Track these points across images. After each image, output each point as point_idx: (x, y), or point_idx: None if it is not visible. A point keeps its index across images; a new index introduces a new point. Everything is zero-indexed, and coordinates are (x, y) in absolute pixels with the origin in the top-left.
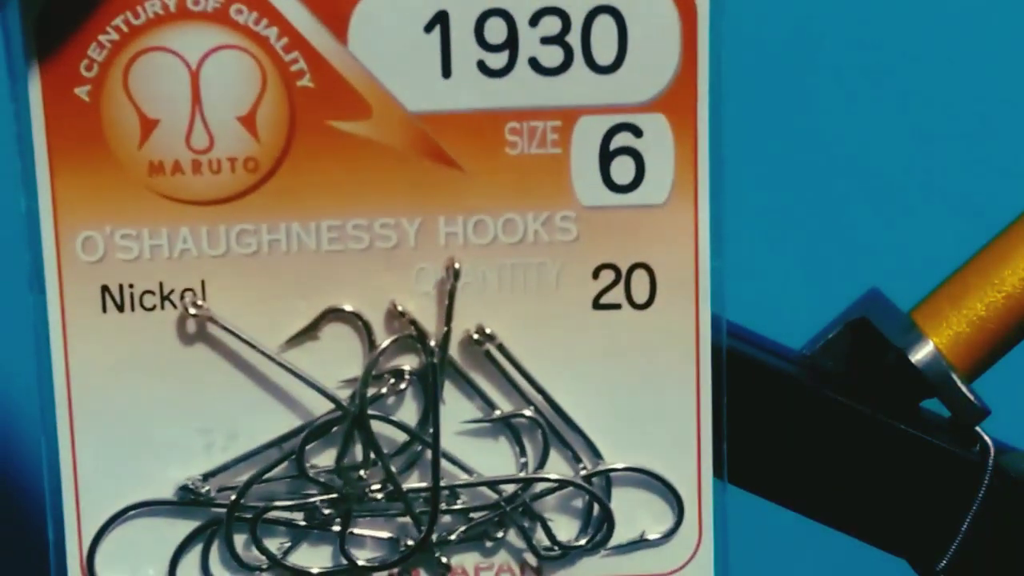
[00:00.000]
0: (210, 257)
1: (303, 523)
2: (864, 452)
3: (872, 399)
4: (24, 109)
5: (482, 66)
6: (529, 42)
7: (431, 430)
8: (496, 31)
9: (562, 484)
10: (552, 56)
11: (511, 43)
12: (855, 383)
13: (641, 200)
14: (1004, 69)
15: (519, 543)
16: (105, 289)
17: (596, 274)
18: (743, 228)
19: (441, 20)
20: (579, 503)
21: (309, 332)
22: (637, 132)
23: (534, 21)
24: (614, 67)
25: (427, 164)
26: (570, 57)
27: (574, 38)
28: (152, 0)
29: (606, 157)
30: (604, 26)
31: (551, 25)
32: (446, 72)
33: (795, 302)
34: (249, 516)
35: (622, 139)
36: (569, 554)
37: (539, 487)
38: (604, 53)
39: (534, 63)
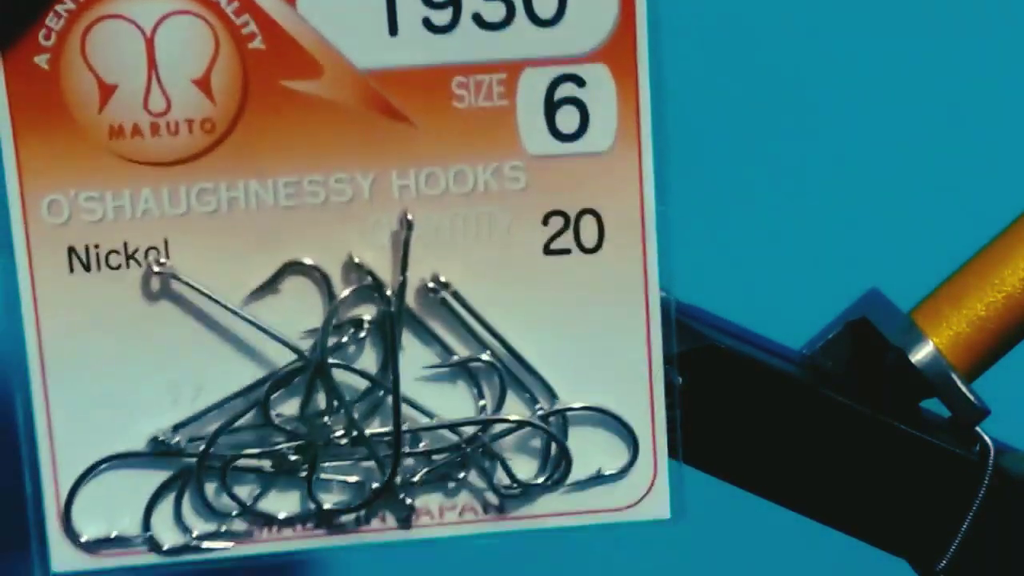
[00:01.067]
0: (172, 216)
1: (271, 470)
2: (864, 452)
3: (872, 399)
4: None
5: (427, 23)
6: None
7: (391, 377)
8: None
9: (520, 424)
10: (495, 11)
11: (455, 0)
12: (855, 383)
13: (586, 148)
14: (1004, 69)
15: (480, 483)
16: (71, 250)
17: (546, 221)
18: (743, 228)
19: None
20: (537, 443)
21: (270, 286)
22: (580, 82)
23: None
24: (555, 20)
25: (378, 120)
26: (512, 12)
27: None
28: None
29: (551, 107)
30: None
31: None
32: (393, 30)
33: (795, 302)
34: (218, 465)
35: (566, 90)
36: (529, 492)
37: (498, 428)
38: (545, 7)
39: (477, 19)
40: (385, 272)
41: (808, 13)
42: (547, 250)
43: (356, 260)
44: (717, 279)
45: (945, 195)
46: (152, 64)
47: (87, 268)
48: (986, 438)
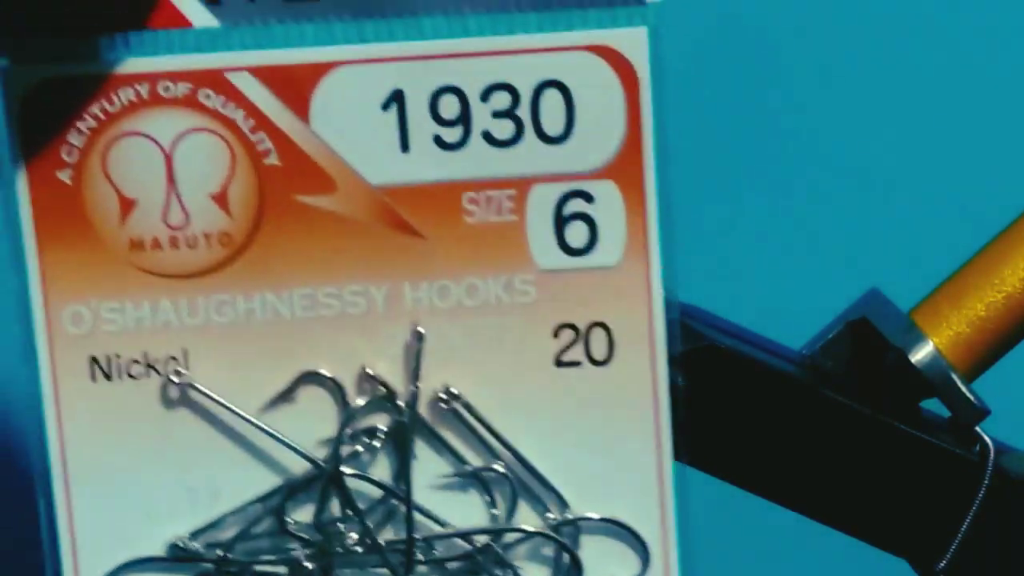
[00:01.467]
0: (190, 327)
1: None
2: (864, 452)
3: (872, 399)
4: (11, 194)
5: (438, 140)
6: (481, 116)
7: (405, 485)
8: (449, 107)
9: (532, 534)
10: (504, 129)
11: (464, 118)
12: (855, 383)
13: (596, 262)
14: (1004, 69)
15: None
16: (93, 360)
17: (556, 333)
18: (743, 228)
19: (397, 98)
20: (549, 552)
21: (286, 395)
22: (588, 198)
23: (485, 97)
24: (563, 137)
25: (391, 233)
26: (521, 129)
27: (524, 112)
28: (125, 88)
29: (560, 222)
30: (552, 99)
31: (501, 100)
32: (404, 147)
33: (795, 302)
34: (236, 571)
35: (575, 205)
36: None
37: (510, 537)
38: (553, 125)
39: (487, 136)
40: (399, 382)
41: (808, 14)
42: (558, 362)
43: (370, 371)
44: (717, 279)
45: (945, 195)
46: (171, 179)
47: (108, 377)
48: (986, 438)
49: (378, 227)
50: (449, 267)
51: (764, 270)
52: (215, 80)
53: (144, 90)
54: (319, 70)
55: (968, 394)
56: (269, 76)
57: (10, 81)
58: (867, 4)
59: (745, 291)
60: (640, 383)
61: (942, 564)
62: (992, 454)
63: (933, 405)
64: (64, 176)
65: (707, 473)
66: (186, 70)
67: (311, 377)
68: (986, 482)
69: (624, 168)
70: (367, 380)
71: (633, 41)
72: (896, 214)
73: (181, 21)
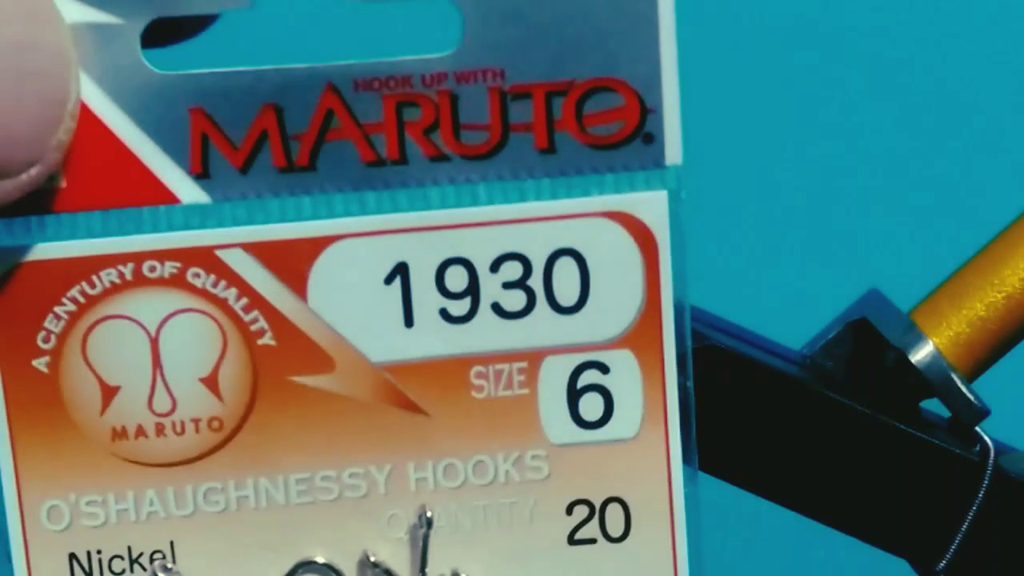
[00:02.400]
0: (178, 518)
1: None
2: (864, 452)
3: (872, 399)
4: None
5: (444, 314)
6: (491, 288)
7: None
8: (457, 279)
9: None
10: (515, 300)
11: (472, 290)
12: (855, 383)
13: (611, 435)
14: (1004, 69)
15: None
16: (73, 557)
17: (570, 510)
18: (743, 228)
19: (401, 271)
20: None
21: None
22: (604, 369)
23: (495, 267)
24: (577, 307)
25: (393, 412)
26: (533, 300)
27: (536, 282)
28: (108, 270)
29: (574, 395)
30: (566, 268)
31: (512, 270)
32: (408, 322)
33: (795, 302)
34: None
35: (589, 376)
36: None
37: None
38: (567, 294)
39: (497, 308)
40: (403, 568)
41: (808, 15)
42: (572, 540)
43: (372, 558)
44: (718, 279)
45: (945, 195)
46: (157, 364)
47: (88, 575)
48: (986, 438)
49: (379, 406)
50: (455, 445)
51: (764, 270)
52: (205, 258)
53: (128, 271)
54: (318, 244)
55: (968, 394)
56: (264, 252)
57: None
58: (867, 4)
59: (745, 291)
60: (659, 560)
61: (942, 564)
62: (992, 454)
63: (933, 405)
64: (40, 364)
65: (707, 473)
66: (174, 248)
67: (309, 567)
68: (986, 482)
69: (642, 336)
70: (370, 568)
71: (652, 205)
72: (896, 214)
73: (168, 197)
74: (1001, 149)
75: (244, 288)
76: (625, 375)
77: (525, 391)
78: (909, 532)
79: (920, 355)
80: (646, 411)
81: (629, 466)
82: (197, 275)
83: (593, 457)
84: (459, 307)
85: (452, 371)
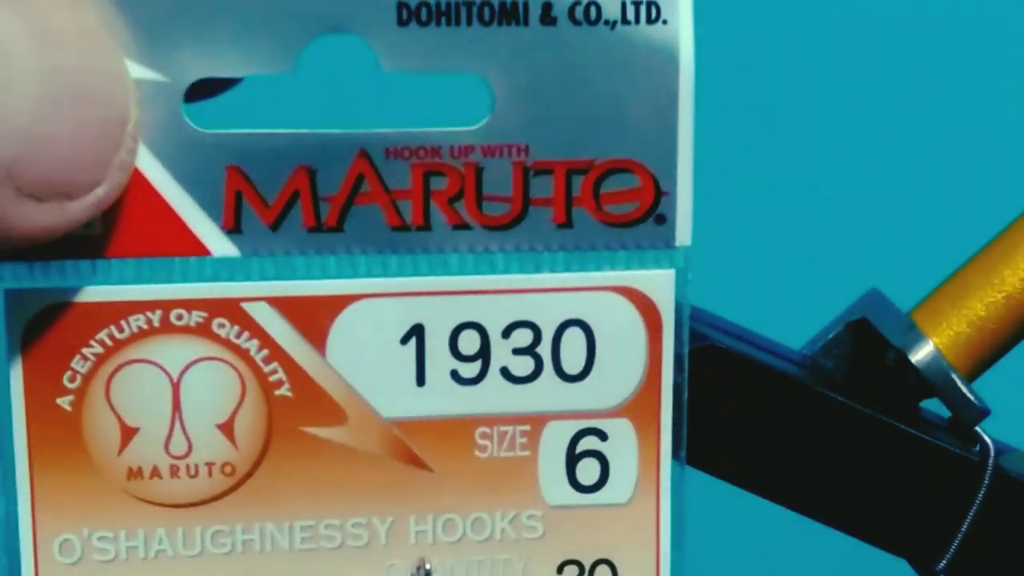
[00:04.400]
0: (185, 557)
1: None
2: (864, 452)
3: (872, 399)
4: (6, 417)
5: (455, 375)
6: (501, 353)
7: None
8: (470, 343)
9: None
10: (523, 366)
11: (484, 354)
12: (855, 383)
13: (605, 499)
14: (1004, 69)
15: None
16: None
17: (560, 569)
18: (743, 228)
19: (417, 332)
20: None
21: None
22: (603, 436)
23: (506, 333)
24: (582, 376)
25: (399, 466)
26: (540, 367)
27: (544, 349)
28: (137, 315)
29: (572, 459)
30: (573, 338)
31: (523, 337)
32: (420, 381)
33: (795, 302)
34: None
35: (588, 443)
36: None
37: None
38: (573, 363)
39: (505, 372)
40: None
41: (808, 15)
42: None
43: None
44: (717, 279)
45: (945, 195)
46: (176, 408)
47: None
48: (986, 438)
49: (386, 460)
50: (456, 501)
51: (764, 270)
52: (231, 309)
53: (156, 318)
54: (340, 302)
55: (968, 394)
56: (288, 307)
57: (14, 306)
58: (867, 5)
59: (745, 291)
60: None
61: (942, 564)
62: (992, 454)
63: (933, 405)
64: (64, 403)
65: (707, 473)
66: (201, 298)
67: None
68: (986, 482)
69: (641, 407)
70: None
71: (660, 283)
72: (896, 214)
73: (200, 249)
74: (1001, 149)
75: (266, 340)
76: (622, 443)
77: (527, 453)
78: (909, 532)
79: (920, 355)
80: (640, 478)
81: (620, 530)
82: (222, 325)
83: (587, 520)
84: (470, 369)
85: (459, 430)
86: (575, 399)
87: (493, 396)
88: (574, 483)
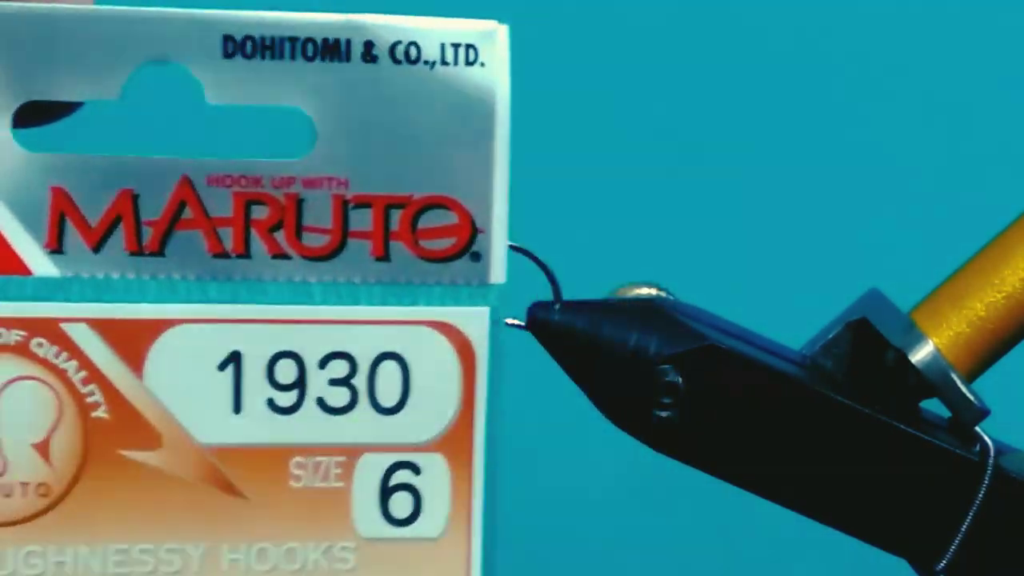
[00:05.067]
0: None
1: None
2: (864, 452)
3: (872, 399)
4: None
5: (272, 403)
6: (318, 383)
7: None
8: (286, 372)
9: None
10: (339, 397)
11: (300, 383)
12: (855, 383)
13: (418, 533)
14: (1004, 69)
15: None
16: None
17: None
18: (743, 228)
19: (235, 359)
20: None
21: None
22: (416, 470)
23: (323, 364)
24: (397, 409)
25: (215, 493)
26: (356, 398)
27: (360, 381)
28: None
29: (386, 492)
30: (389, 370)
31: (339, 368)
32: (237, 408)
33: (795, 302)
34: None
35: (402, 476)
36: None
37: None
38: (388, 396)
39: (321, 402)
40: None
41: (808, 14)
42: None
43: None
44: (717, 279)
45: (945, 195)
46: None
47: None
48: (986, 438)
49: (202, 486)
50: (270, 530)
51: (764, 270)
52: (50, 329)
53: None
54: (158, 326)
55: (968, 394)
56: (107, 329)
57: None
58: (867, 4)
59: (745, 291)
60: None
61: (942, 564)
62: (992, 454)
63: (933, 405)
64: None
65: (707, 473)
66: (21, 317)
67: None
68: (986, 482)
69: (454, 443)
70: None
71: (474, 320)
72: (896, 214)
73: (21, 268)
74: (1001, 149)
75: (84, 361)
76: (436, 477)
77: (341, 484)
78: (909, 532)
79: (920, 355)
80: (452, 514)
81: (432, 565)
82: (40, 345)
83: (399, 553)
84: (286, 399)
85: (274, 459)
86: (390, 432)
87: (309, 426)
88: (387, 516)
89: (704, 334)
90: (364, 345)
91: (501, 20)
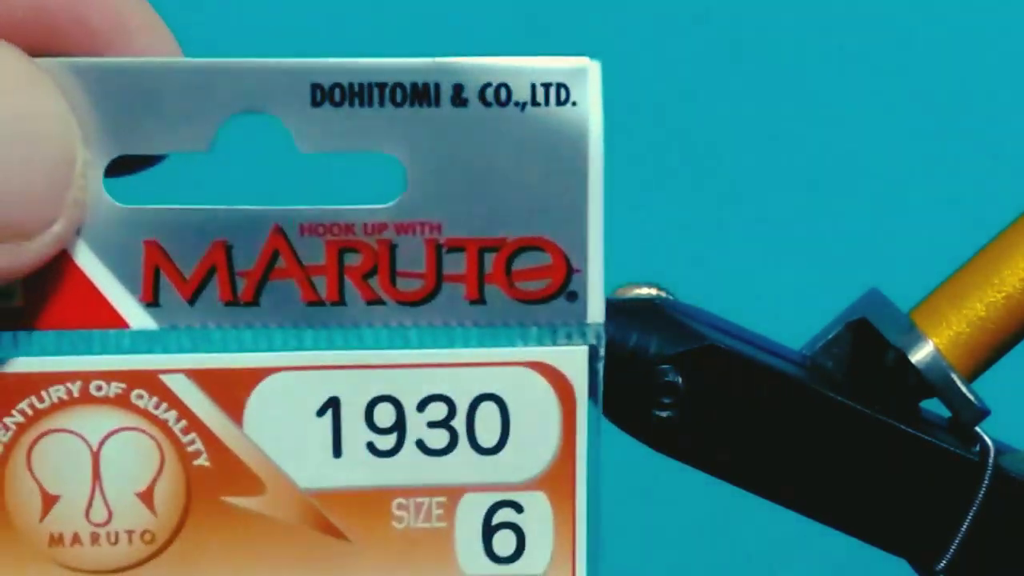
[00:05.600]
0: None
1: None
2: (864, 452)
3: (872, 399)
4: None
5: (371, 447)
6: (416, 426)
7: None
8: (385, 415)
9: None
10: (438, 439)
11: (399, 426)
12: (855, 383)
13: (521, 571)
14: (1004, 69)
15: None
16: None
17: None
18: (743, 228)
19: (333, 405)
20: None
21: None
22: (518, 508)
23: (422, 407)
24: (496, 449)
25: (317, 537)
26: (455, 439)
27: (459, 423)
28: (57, 386)
29: (488, 531)
30: (487, 412)
31: (437, 411)
32: (337, 452)
33: (795, 302)
34: None
35: (504, 515)
36: None
37: None
38: (487, 436)
39: (421, 445)
40: None
41: (808, 13)
42: None
43: None
44: (717, 279)
45: (945, 195)
46: (96, 477)
47: None
48: (986, 438)
49: (304, 530)
50: (374, 572)
51: (764, 270)
52: (149, 381)
53: (76, 388)
54: (256, 375)
55: (968, 394)
56: (205, 379)
57: None
58: (867, 4)
59: (745, 291)
60: None
61: (942, 564)
62: (992, 454)
63: (933, 405)
64: None
65: (707, 473)
66: (120, 370)
67: None
68: (986, 482)
69: (555, 480)
70: None
71: (573, 359)
72: (896, 214)
73: (119, 322)
74: (1001, 149)
75: (184, 411)
76: (538, 516)
77: (443, 524)
78: (909, 532)
79: (920, 355)
80: (555, 550)
81: None
82: (140, 396)
83: None
84: (385, 442)
85: (375, 501)
86: (490, 472)
87: (409, 468)
88: (491, 554)
89: (704, 334)
90: (462, 387)
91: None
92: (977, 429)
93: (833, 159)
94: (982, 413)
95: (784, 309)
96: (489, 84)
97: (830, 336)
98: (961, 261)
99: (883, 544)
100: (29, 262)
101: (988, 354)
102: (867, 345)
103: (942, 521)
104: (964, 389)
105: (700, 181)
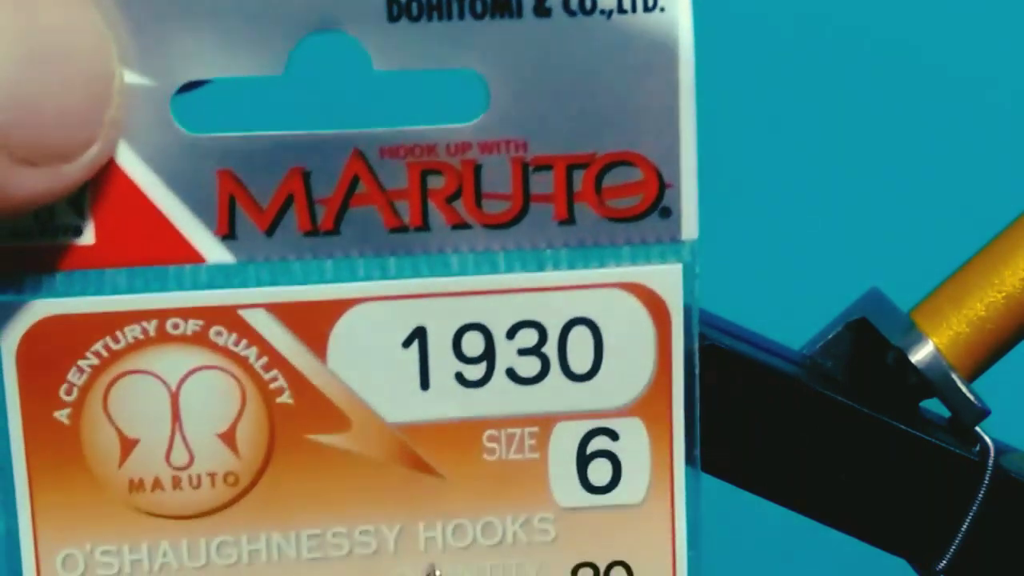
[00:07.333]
0: (191, 569)
1: None
2: (864, 452)
3: (872, 399)
4: (3, 433)
5: (460, 378)
6: (506, 354)
7: None
8: (473, 344)
9: None
10: (529, 366)
11: (488, 355)
12: (855, 383)
13: (618, 500)
14: (1004, 69)
15: None
16: None
17: (575, 572)
18: (743, 228)
19: (419, 335)
20: None
21: None
22: (613, 436)
23: (511, 334)
24: (590, 375)
25: (406, 472)
26: (547, 367)
27: (551, 349)
28: (132, 326)
29: (583, 460)
30: (580, 337)
31: (528, 337)
32: (424, 384)
33: (795, 302)
34: None
35: (599, 443)
36: None
37: None
38: (580, 362)
39: (511, 373)
40: None
41: (808, 13)
42: None
43: None
44: (717, 279)
45: (945, 195)
46: (176, 418)
47: None
48: (986, 438)
49: (393, 466)
50: (466, 506)
51: (764, 270)
52: (228, 317)
53: (152, 327)
54: (339, 307)
55: (968, 394)
56: (286, 313)
57: (7, 318)
58: (866, 4)
59: (745, 291)
60: None
61: (942, 564)
62: (992, 454)
63: (933, 405)
64: (62, 416)
65: (707, 473)
66: (198, 306)
67: None
68: (986, 482)
69: (651, 406)
70: None
71: (667, 278)
72: (896, 214)
73: (194, 256)
74: (1001, 149)
75: (265, 347)
76: (634, 443)
77: (536, 455)
78: (909, 532)
79: (920, 355)
80: (653, 478)
81: (635, 531)
82: (219, 333)
83: (600, 521)
84: (475, 372)
85: (465, 434)
86: (584, 399)
87: (499, 398)
88: (586, 484)
89: (704, 334)
90: (553, 312)
91: None
92: (977, 429)
93: (833, 159)
94: (982, 413)
95: (784, 309)
96: None
97: (830, 336)
98: (961, 261)
99: (883, 544)
100: (69, 184)
101: (988, 354)
102: (867, 345)
103: (942, 521)
104: (964, 389)
105: (700, 180)
